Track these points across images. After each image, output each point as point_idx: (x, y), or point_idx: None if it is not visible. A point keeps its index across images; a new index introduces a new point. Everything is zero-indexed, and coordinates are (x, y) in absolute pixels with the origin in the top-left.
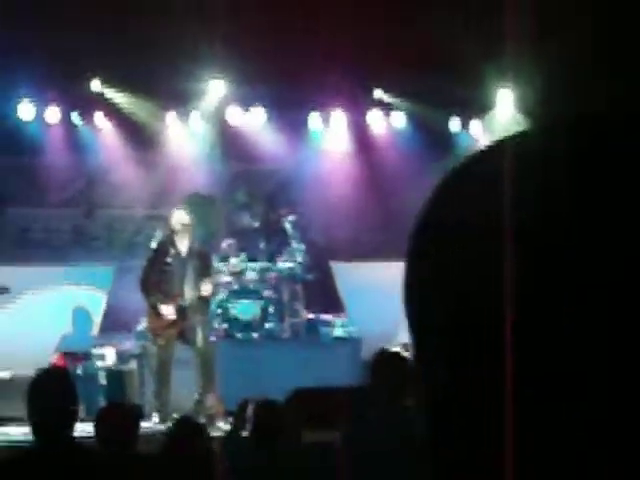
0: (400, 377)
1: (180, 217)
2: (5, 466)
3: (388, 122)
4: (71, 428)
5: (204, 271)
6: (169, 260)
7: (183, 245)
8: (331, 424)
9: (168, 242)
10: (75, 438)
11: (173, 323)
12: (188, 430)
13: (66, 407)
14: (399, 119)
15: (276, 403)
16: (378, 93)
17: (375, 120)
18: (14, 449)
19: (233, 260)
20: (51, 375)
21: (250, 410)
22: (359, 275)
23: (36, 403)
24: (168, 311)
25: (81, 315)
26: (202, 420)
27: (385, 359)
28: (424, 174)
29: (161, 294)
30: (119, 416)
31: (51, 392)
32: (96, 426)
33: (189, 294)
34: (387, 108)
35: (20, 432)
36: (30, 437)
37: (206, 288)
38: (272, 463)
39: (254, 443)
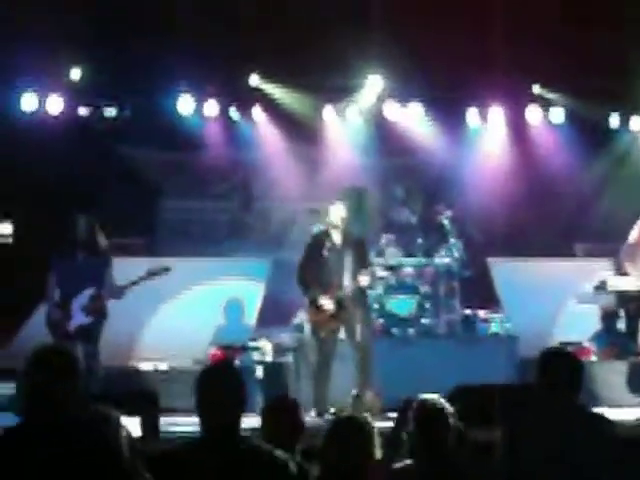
0: (568, 374)
1: (337, 211)
2: (171, 456)
3: (547, 118)
4: (239, 421)
5: (361, 261)
6: (325, 253)
7: (339, 238)
8: (492, 422)
9: (323, 234)
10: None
11: (334, 316)
12: (352, 426)
13: (236, 400)
14: (558, 115)
15: (440, 401)
16: (537, 89)
17: (533, 116)
18: (175, 440)
19: (389, 254)
20: (221, 368)
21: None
22: (516, 272)
23: (205, 395)
24: (327, 304)
25: (237, 308)
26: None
27: (553, 355)
28: (582, 170)
29: (319, 287)
30: (286, 409)
31: (221, 385)
32: (262, 419)
33: (347, 286)
34: (546, 104)
35: (181, 422)
36: (189, 428)
37: (364, 280)
38: (436, 462)
39: (422, 443)
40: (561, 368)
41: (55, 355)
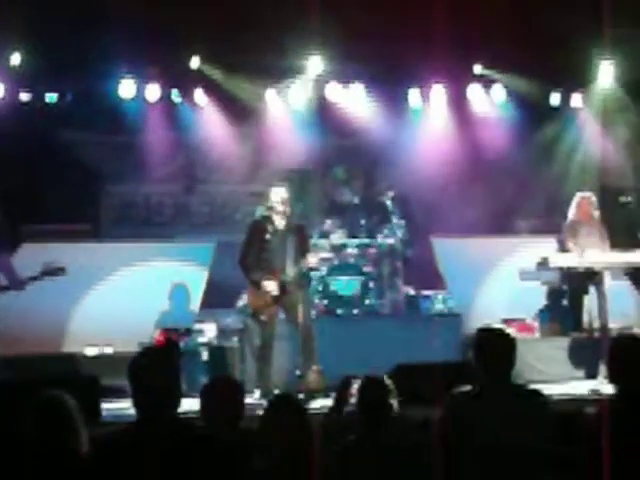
0: (503, 354)
1: (279, 193)
2: (109, 441)
3: (488, 97)
4: (175, 405)
5: (303, 246)
6: (268, 237)
7: (281, 221)
8: (432, 400)
9: (266, 218)
10: (178, 414)
11: (275, 299)
12: (286, 406)
13: (169, 384)
14: (499, 93)
15: (383, 380)
16: (478, 68)
17: (475, 95)
18: (118, 424)
19: (333, 236)
20: (154, 352)
21: (354, 387)
22: (459, 250)
23: (138, 380)
24: (271, 287)
25: (182, 291)
26: (303, 396)
27: (488, 334)
28: (524, 148)
29: (261, 271)
30: (225, 391)
31: (154, 369)
32: (202, 401)
33: (290, 270)
34: (487, 83)
35: (124, 406)
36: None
37: (307, 263)
38: (376, 440)
39: (361, 420)
40: (494, 346)
41: None
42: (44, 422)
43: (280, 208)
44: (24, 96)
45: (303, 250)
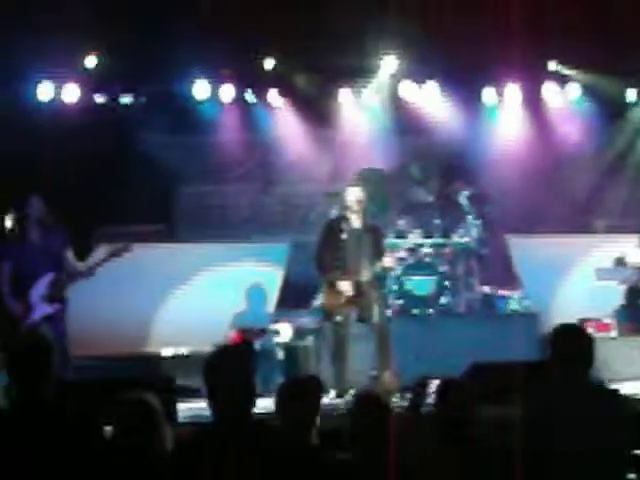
0: (579, 351)
1: (354, 193)
2: (187, 442)
3: (563, 94)
4: (250, 404)
5: (379, 246)
6: (343, 237)
7: (357, 221)
8: (509, 399)
9: (342, 218)
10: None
11: (350, 299)
12: (371, 404)
13: (244, 383)
14: (574, 91)
15: (462, 382)
16: (553, 65)
17: (550, 93)
18: (194, 424)
19: (409, 235)
20: (228, 351)
21: (431, 387)
22: (535, 249)
23: (213, 379)
24: (346, 287)
25: (257, 291)
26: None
27: (565, 333)
28: (600, 146)
29: (336, 271)
30: (302, 390)
31: (228, 368)
32: (277, 400)
33: (365, 270)
34: (562, 80)
35: (198, 406)
36: (208, 412)
37: (382, 264)
38: (456, 442)
39: (440, 422)
40: (572, 344)
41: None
42: (130, 421)
43: (356, 208)
44: (99, 98)
45: (378, 251)
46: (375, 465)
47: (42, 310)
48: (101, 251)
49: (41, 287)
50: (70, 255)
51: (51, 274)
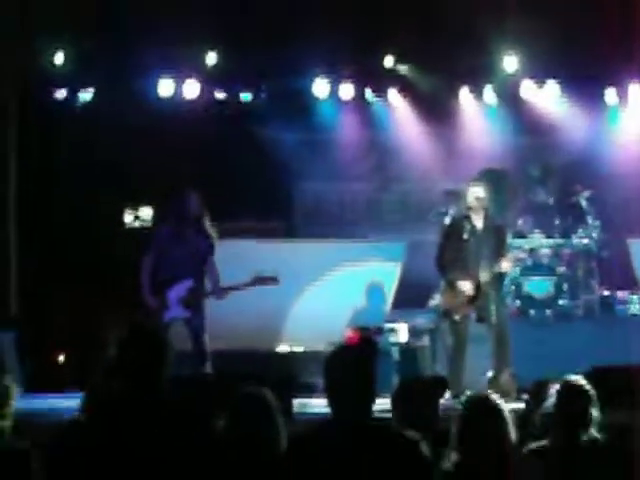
0: None
1: (476, 192)
2: (303, 439)
3: None
4: (370, 404)
5: (500, 247)
6: (465, 236)
7: (479, 221)
8: (629, 405)
9: (464, 218)
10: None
11: (469, 300)
12: (482, 409)
13: (366, 382)
14: None
15: (584, 386)
16: None
17: None
18: (308, 421)
19: (527, 236)
20: (353, 349)
21: (548, 390)
22: None
23: (334, 377)
24: (467, 288)
25: (375, 290)
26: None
27: None
28: None
29: (457, 270)
30: (421, 390)
31: (351, 366)
32: (395, 401)
33: (485, 271)
34: None
35: (313, 403)
36: (324, 409)
37: (506, 265)
38: (575, 446)
39: (559, 426)
40: None
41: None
42: (245, 416)
43: (477, 207)
44: (219, 95)
45: (500, 252)
46: (488, 467)
47: (177, 312)
48: (245, 275)
49: (181, 289)
50: (213, 264)
51: (192, 280)
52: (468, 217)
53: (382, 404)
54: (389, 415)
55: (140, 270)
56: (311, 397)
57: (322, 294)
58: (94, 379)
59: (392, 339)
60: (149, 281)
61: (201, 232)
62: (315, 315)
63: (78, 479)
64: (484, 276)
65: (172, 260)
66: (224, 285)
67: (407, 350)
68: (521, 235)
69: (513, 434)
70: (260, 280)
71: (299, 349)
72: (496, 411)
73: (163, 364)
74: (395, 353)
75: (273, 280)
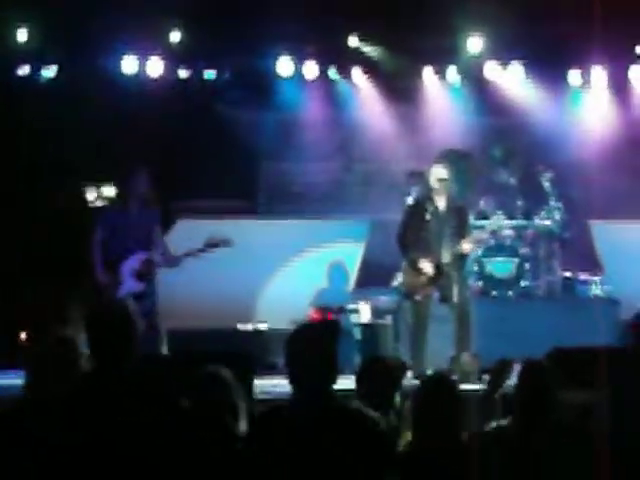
0: None
1: (438, 173)
2: (265, 418)
3: None
4: (332, 382)
5: (462, 228)
6: (427, 217)
7: (441, 201)
8: (590, 385)
9: (426, 198)
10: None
11: (431, 280)
12: (437, 387)
13: (328, 360)
14: None
15: (545, 364)
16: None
17: (636, 76)
18: (270, 401)
19: (490, 217)
20: (314, 328)
21: (510, 369)
22: (618, 234)
23: (296, 355)
24: (427, 267)
25: (337, 269)
26: (456, 378)
27: None
28: None
29: (419, 251)
30: (383, 370)
31: (311, 345)
32: (359, 380)
33: (447, 251)
34: None
35: (275, 383)
36: (286, 388)
37: (467, 246)
38: (535, 426)
39: (519, 405)
40: None
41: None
42: (204, 396)
43: (440, 188)
44: (182, 73)
45: (461, 233)
46: (442, 449)
47: (131, 285)
48: (198, 238)
49: (134, 262)
50: (160, 234)
51: (144, 252)
52: (430, 198)
53: (345, 383)
54: (351, 394)
55: (90, 249)
56: (273, 376)
57: (285, 273)
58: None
59: (355, 319)
60: (100, 258)
61: (145, 207)
62: (278, 294)
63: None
64: (445, 256)
65: (121, 236)
66: (177, 253)
67: (369, 329)
68: (483, 216)
69: (469, 414)
70: (212, 244)
71: (262, 328)
72: (450, 391)
73: (130, 341)
74: (357, 332)
75: (225, 242)
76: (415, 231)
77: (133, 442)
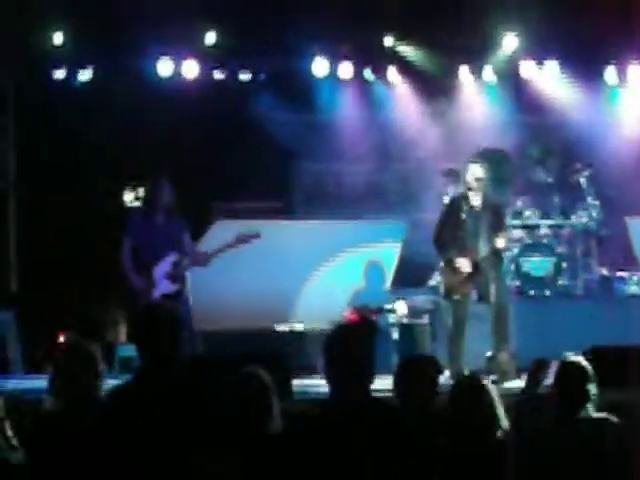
0: None
1: (474, 171)
2: (303, 416)
3: None
4: (369, 382)
5: (498, 225)
6: (463, 216)
7: (477, 200)
8: (628, 383)
9: (462, 197)
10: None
11: (468, 278)
12: (469, 387)
13: (365, 361)
14: None
15: (582, 364)
16: None
17: None
18: (308, 401)
19: (527, 215)
20: (352, 328)
21: (548, 369)
22: None
23: (334, 355)
24: (464, 266)
25: (374, 269)
26: (494, 377)
27: None
28: None
29: (455, 249)
30: (421, 370)
31: (351, 345)
32: (396, 379)
33: (483, 249)
34: None
35: (313, 383)
36: (324, 389)
37: (500, 242)
38: (573, 424)
39: (558, 403)
40: None
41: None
42: (241, 397)
43: (475, 186)
44: (218, 75)
45: (497, 229)
46: (471, 449)
47: (165, 287)
48: (229, 237)
49: (166, 265)
50: (188, 239)
51: (174, 254)
52: (466, 196)
53: (383, 384)
54: (389, 394)
55: (121, 254)
56: (311, 377)
57: (322, 274)
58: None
59: (392, 318)
60: (131, 263)
61: (170, 217)
62: (316, 295)
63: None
64: (482, 254)
65: (149, 243)
66: (207, 251)
67: (406, 329)
68: (520, 214)
69: (503, 414)
70: (242, 238)
71: (299, 329)
72: (482, 391)
73: (176, 343)
74: (395, 333)
75: (256, 236)
76: (451, 230)
77: (179, 442)
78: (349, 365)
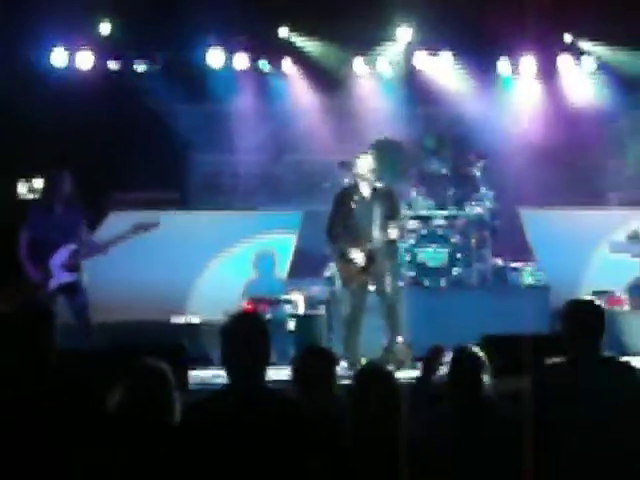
0: (592, 325)
1: (366, 162)
2: (198, 409)
3: (579, 67)
4: (264, 371)
5: (391, 212)
6: (353, 205)
7: (366, 189)
8: (519, 372)
9: (353, 187)
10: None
11: (364, 268)
12: (374, 376)
13: (259, 351)
14: (589, 64)
15: (475, 351)
16: (568, 37)
17: (565, 65)
18: (204, 392)
19: (422, 206)
20: (244, 319)
21: (443, 356)
22: (548, 222)
23: (229, 346)
24: (356, 256)
25: (269, 260)
26: (390, 367)
27: (578, 306)
28: (615, 119)
29: (348, 240)
30: (318, 360)
31: (244, 335)
32: (293, 370)
33: (377, 237)
34: (577, 53)
35: (209, 374)
36: (220, 380)
37: (393, 233)
38: (467, 412)
39: (451, 392)
40: (583, 317)
41: None
42: (141, 389)
43: (366, 176)
44: (113, 65)
45: (392, 212)
46: (378, 438)
47: (61, 277)
48: (127, 226)
49: (62, 256)
50: (85, 229)
51: (71, 245)
52: (356, 186)
53: (280, 374)
54: (287, 385)
55: (18, 245)
56: (207, 369)
57: (218, 265)
58: None
59: (288, 310)
60: (28, 254)
61: (69, 207)
62: (210, 286)
63: None
64: (376, 243)
65: (46, 234)
66: (105, 240)
67: (303, 320)
68: (415, 205)
69: (404, 403)
70: (140, 227)
71: (195, 320)
72: (386, 381)
73: (49, 337)
74: (291, 324)
75: (154, 225)
76: (343, 220)
77: (57, 439)
78: (244, 354)
